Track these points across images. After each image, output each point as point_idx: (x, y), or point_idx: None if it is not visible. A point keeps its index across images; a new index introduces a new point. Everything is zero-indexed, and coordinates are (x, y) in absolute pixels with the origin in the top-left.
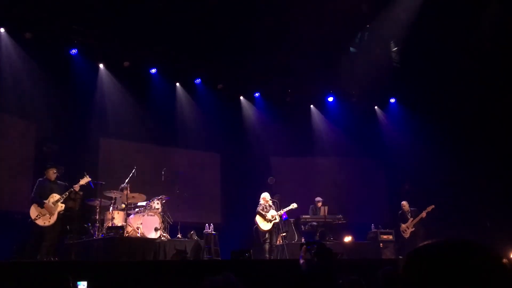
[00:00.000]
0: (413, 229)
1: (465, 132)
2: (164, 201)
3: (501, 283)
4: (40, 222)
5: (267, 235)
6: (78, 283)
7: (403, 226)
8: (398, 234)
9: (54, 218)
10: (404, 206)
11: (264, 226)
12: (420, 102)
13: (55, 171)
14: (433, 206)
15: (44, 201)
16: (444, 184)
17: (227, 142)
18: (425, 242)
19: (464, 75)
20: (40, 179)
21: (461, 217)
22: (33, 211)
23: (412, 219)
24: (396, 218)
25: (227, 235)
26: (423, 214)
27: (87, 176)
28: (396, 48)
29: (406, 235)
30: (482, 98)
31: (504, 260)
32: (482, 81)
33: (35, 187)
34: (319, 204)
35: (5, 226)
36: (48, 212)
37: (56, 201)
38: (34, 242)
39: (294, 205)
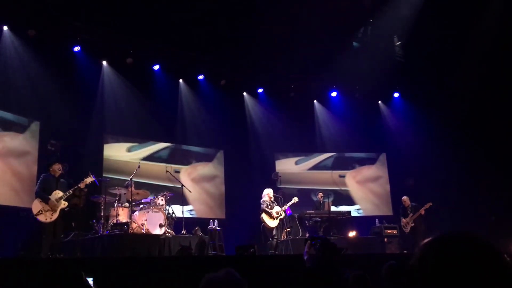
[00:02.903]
0: (413, 224)
1: (469, 127)
2: (168, 197)
3: (502, 281)
4: (41, 218)
5: (274, 232)
6: None
7: (404, 221)
8: (400, 229)
9: (56, 215)
10: (405, 201)
11: (271, 223)
12: (424, 96)
13: (60, 167)
14: (430, 204)
15: (49, 196)
16: (448, 179)
17: (231, 138)
18: (427, 239)
19: (468, 70)
20: (44, 174)
21: (465, 212)
22: (36, 206)
23: (411, 214)
24: (399, 213)
25: (231, 231)
26: (422, 211)
27: (91, 175)
28: (399, 43)
29: (407, 230)
30: (486, 92)
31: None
32: (485, 76)
33: (39, 181)
34: (321, 198)
35: (10, 222)
36: (51, 208)
37: (59, 198)
38: (39, 239)
39: (295, 199)
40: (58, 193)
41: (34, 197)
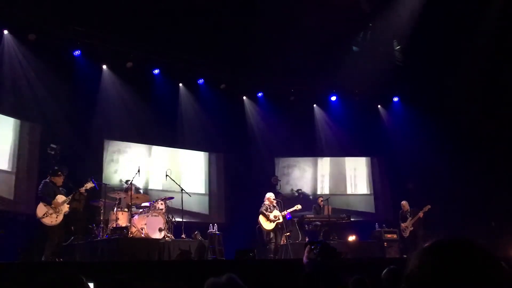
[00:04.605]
0: (412, 228)
1: (468, 131)
2: (168, 201)
3: (497, 285)
4: (47, 220)
5: (271, 235)
6: None
7: (403, 225)
8: (400, 233)
9: (60, 217)
10: (404, 206)
11: (267, 225)
12: (423, 100)
13: (62, 179)
14: (429, 206)
15: (52, 200)
16: (447, 183)
17: (231, 142)
18: (424, 245)
19: (467, 74)
20: (45, 180)
21: (465, 217)
22: (41, 209)
23: (411, 218)
24: (398, 218)
25: (231, 235)
26: (420, 214)
27: (91, 181)
28: (399, 47)
29: (406, 234)
30: (486, 96)
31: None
32: (485, 79)
33: (41, 186)
34: (321, 203)
35: (10, 227)
36: (55, 210)
37: (63, 202)
38: (39, 243)
39: (298, 206)
40: (61, 197)
41: (39, 201)
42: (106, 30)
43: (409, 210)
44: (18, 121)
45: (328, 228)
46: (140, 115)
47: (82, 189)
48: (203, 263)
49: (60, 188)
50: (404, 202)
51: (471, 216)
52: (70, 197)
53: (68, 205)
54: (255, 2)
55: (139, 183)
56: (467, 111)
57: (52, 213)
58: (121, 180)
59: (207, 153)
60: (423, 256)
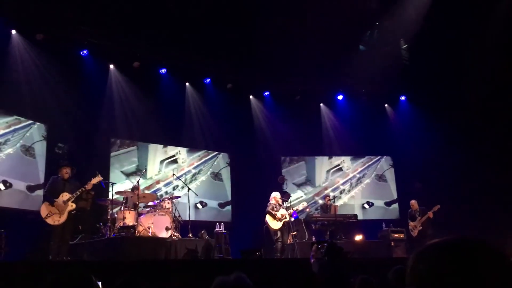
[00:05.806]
0: (421, 228)
1: (476, 130)
2: (175, 200)
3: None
4: (50, 220)
5: (278, 234)
6: None
7: (412, 224)
8: (408, 232)
9: (64, 217)
10: (413, 205)
11: (274, 225)
12: (430, 99)
13: (68, 170)
14: (438, 206)
15: (55, 199)
16: (455, 182)
17: (237, 141)
18: (430, 242)
19: (475, 72)
20: (53, 176)
21: (473, 216)
22: (44, 210)
23: (420, 217)
24: (407, 217)
25: (237, 234)
26: (430, 214)
27: (99, 175)
28: (405, 46)
29: (414, 233)
30: (493, 95)
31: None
32: (493, 78)
33: (48, 184)
34: (328, 202)
35: (18, 225)
36: (58, 210)
37: (66, 200)
38: (46, 242)
39: (304, 204)
40: (66, 195)
41: (43, 200)
42: (113, 30)
43: (418, 209)
44: (25, 120)
45: (334, 227)
46: (146, 114)
47: (89, 185)
48: (209, 262)
49: (71, 181)
50: (413, 201)
51: (480, 216)
52: (74, 194)
53: (74, 204)
54: (261, 2)
55: (146, 181)
56: (475, 110)
57: (55, 213)
58: (127, 177)
59: (213, 152)
60: (434, 255)
